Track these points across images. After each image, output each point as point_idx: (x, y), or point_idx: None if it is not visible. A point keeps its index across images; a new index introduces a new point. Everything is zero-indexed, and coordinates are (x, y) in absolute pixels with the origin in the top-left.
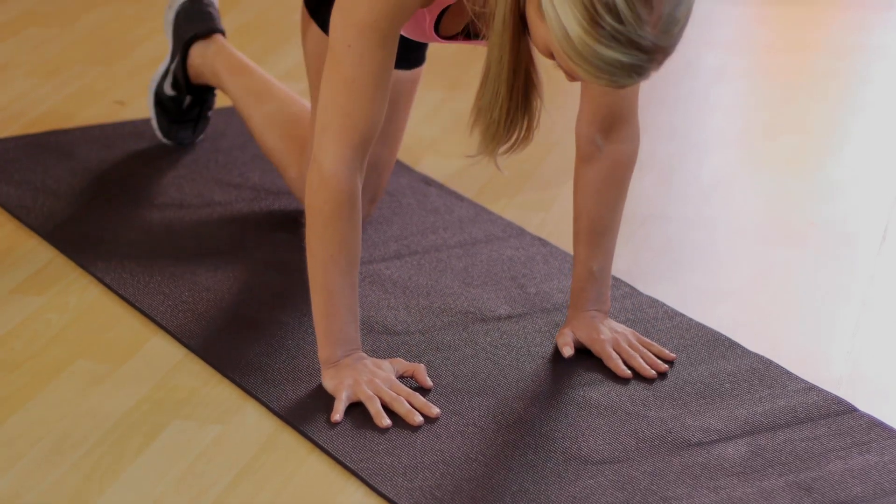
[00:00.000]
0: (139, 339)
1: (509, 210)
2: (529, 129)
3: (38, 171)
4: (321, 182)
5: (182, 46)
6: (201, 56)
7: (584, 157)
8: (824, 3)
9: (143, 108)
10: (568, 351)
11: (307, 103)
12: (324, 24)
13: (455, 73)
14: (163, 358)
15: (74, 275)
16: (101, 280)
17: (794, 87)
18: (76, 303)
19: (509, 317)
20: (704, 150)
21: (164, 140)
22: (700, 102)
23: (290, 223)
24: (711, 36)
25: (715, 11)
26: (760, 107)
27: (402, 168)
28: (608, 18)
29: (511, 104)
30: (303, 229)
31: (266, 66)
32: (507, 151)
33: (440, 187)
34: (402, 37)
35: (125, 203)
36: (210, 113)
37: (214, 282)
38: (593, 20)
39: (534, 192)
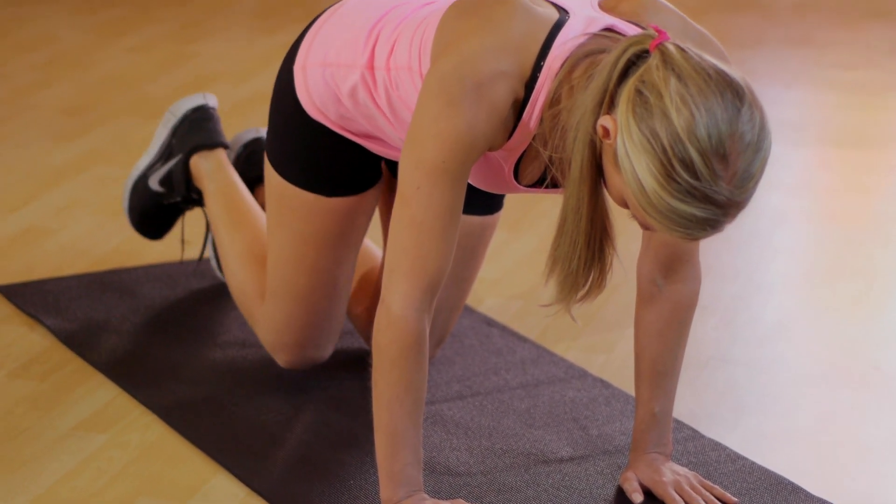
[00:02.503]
0: (201, 478)
1: (572, 352)
2: (602, 277)
3: (102, 309)
4: (389, 323)
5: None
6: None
7: (645, 298)
8: (883, 146)
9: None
10: (637, 498)
11: (370, 243)
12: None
13: (517, 215)
14: (225, 497)
15: (137, 412)
16: (163, 418)
17: (855, 230)
18: (139, 440)
19: (571, 459)
20: (768, 293)
21: (218, 274)
22: (763, 244)
23: (352, 363)
24: (774, 178)
25: (777, 154)
26: (823, 250)
27: (464, 309)
28: (684, 174)
29: (588, 254)
30: (367, 369)
31: None
32: (580, 300)
33: (502, 328)
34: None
35: (188, 341)
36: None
37: (277, 421)
38: (668, 175)
39: (596, 334)
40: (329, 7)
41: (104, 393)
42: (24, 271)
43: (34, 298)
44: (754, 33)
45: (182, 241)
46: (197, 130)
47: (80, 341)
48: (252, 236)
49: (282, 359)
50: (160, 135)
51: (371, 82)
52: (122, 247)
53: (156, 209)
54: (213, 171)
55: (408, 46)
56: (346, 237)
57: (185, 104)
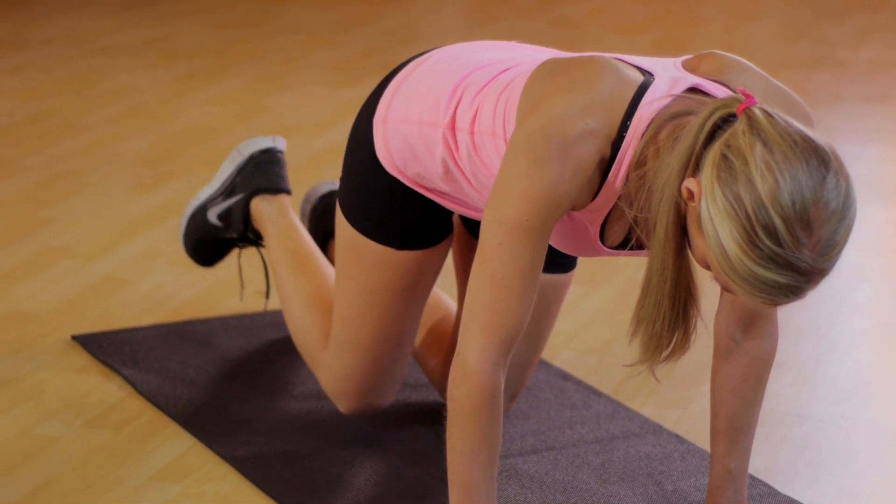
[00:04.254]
0: None
1: (647, 407)
2: (686, 338)
3: (178, 359)
4: (464, 377)
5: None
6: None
7: (723, 353)
8: None
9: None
10: None
11: (445, 296)
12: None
13: (593, 269)
14: None
15: (212, 463)
16: (238, 469)
17: None
18: (214, 491)
19: None
20: (844, 350)
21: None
22: (840, 301)
23: (427, 416)
24: (851, 235)
25: None
26: None
27: (539, 363)
28: (767, 241)
29: (672, 315)
30: (441, 422)
31: None
32: (664, 360)
33: (577, 382)
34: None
35: (263, 393)
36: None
37: (351, 473)
38: (751, 241)
39: (672, 390)
40: (411, 60)
41: (180, 443)
42: (101, 321)
43: (111, 348)
44: (831, 90)
45: (241, 283)
46: (262, 172)
47: (156, 391)
48: (316, 282)
49: (343, 405)
50: (224, 170)
51: (453, 144)
52: (198, 298)
53: (211, 241)
54: (276, 216)
55: (492, 111)
56: (414, 290)
57: (254, 144)
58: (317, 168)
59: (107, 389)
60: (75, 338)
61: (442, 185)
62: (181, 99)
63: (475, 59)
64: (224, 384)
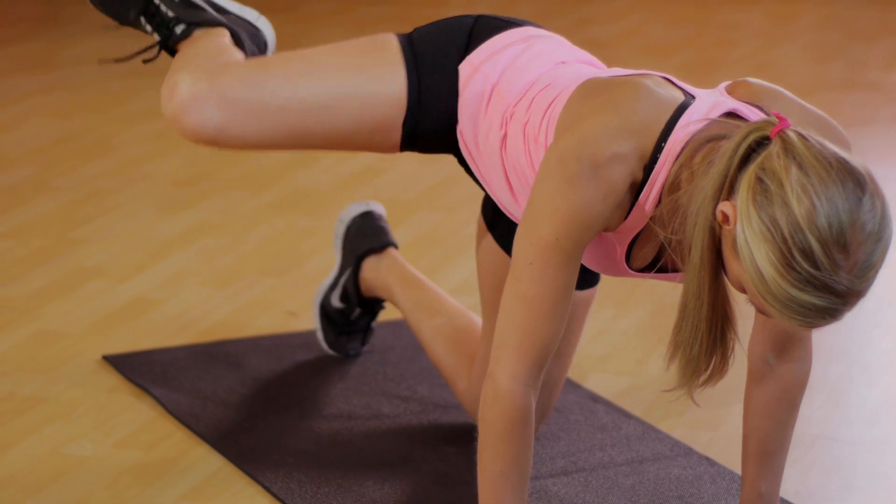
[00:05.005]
0: None
1: (677, 429)
2: (724, 361)
3: (209, 380)
4: (495, 398)
5: (355, 260)
6: (374, 270)
7: (756, 376)
8: None
9: (313, 319)
10: None
11: (477, 317)
12: (500, 238)
13: (625, 291)
14: None
15: (242, 483)
16: (268, 489)
17: None
18: None
19: None
20: (875, 372)
21: (330, 351)
22: (871, 324)
23: (457, 437)
24: None
25: None
26: None
27: (569, 385)
28: (804, 263)
29: (709, 339)
30: (472, 444)
31: (436, 281)
32: (702, 385)
33: (608, 404)
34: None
35: (294, 413)
36: (374, 324)
37: (382, 494)
38: (788, 264)
39: (702, 412)
40: (527, 26)
41: (210, 464)
42: (132, 341)
43: (142, 369)
44: (863, 112)
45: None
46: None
47: (186, 412)
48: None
49: (189, 85)
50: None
51: (504, 131)
52: (228, 318)
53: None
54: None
55: (539, 119)
56: (374, 117)
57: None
58: (347, 191)
59: (137, 410)
60: (106, 358)
61: (477, 157)
62: None
63: (554, 59)
64: (254, 405)
